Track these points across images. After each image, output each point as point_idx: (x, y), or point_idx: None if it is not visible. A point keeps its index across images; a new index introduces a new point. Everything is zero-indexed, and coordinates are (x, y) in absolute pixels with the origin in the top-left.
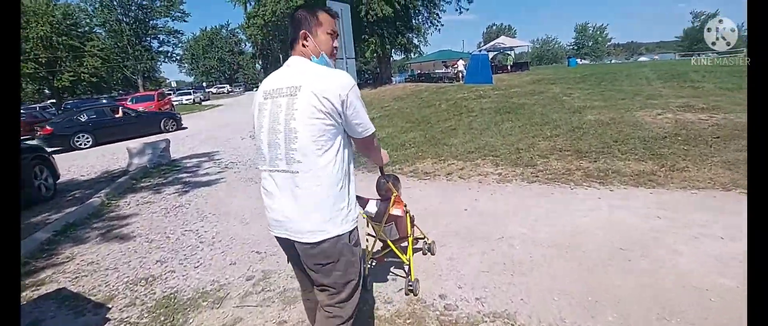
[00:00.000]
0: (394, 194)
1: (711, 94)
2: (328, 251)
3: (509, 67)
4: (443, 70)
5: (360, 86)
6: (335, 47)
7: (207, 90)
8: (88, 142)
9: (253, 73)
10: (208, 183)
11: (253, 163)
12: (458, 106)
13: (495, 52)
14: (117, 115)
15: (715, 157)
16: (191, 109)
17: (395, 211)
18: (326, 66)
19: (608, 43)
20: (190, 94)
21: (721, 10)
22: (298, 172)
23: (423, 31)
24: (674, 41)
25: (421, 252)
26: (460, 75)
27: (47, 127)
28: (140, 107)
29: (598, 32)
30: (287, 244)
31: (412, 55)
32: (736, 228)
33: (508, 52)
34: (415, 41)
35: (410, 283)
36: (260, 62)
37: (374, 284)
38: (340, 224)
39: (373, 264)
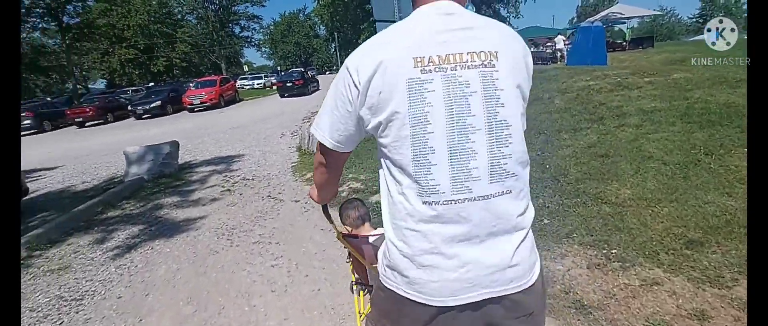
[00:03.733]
0: None
1: None
2: (540, 291)
3: (625, 44)
4: (534, 49)
5: None
6: None
7: (281, 73)
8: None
9: (326, 55)
10: (190, 224)
11: (276, 177)
12: (588, 103)
13: (605, 25)
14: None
15: None
16: (258, 94)
17: None
18: None
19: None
20: (261, 78)
21: None
22: (510, 192)
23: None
24: None
25: None
26: (560, 54)
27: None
28: (202, 92)
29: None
30: (475, 312)
31: None
32: None
33: (623, 24)
34: (504, 13)
35: None
36: (334, 44)
37: None
38: (535, 248)
39: None
